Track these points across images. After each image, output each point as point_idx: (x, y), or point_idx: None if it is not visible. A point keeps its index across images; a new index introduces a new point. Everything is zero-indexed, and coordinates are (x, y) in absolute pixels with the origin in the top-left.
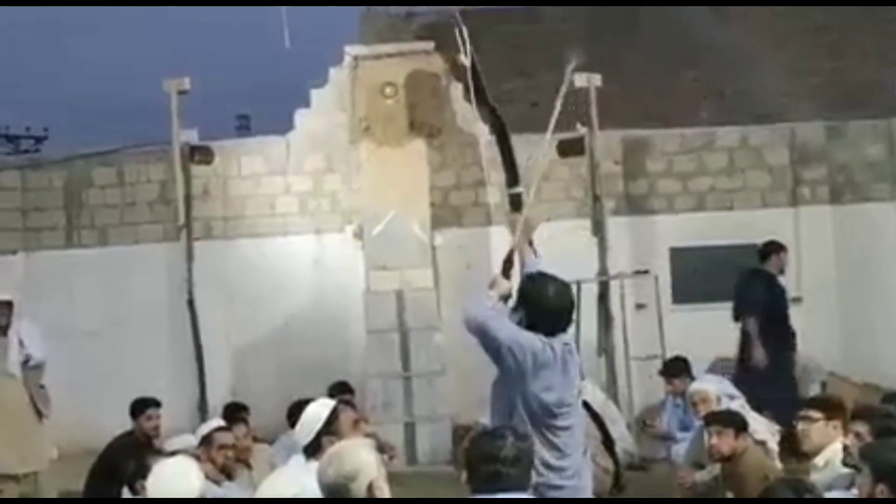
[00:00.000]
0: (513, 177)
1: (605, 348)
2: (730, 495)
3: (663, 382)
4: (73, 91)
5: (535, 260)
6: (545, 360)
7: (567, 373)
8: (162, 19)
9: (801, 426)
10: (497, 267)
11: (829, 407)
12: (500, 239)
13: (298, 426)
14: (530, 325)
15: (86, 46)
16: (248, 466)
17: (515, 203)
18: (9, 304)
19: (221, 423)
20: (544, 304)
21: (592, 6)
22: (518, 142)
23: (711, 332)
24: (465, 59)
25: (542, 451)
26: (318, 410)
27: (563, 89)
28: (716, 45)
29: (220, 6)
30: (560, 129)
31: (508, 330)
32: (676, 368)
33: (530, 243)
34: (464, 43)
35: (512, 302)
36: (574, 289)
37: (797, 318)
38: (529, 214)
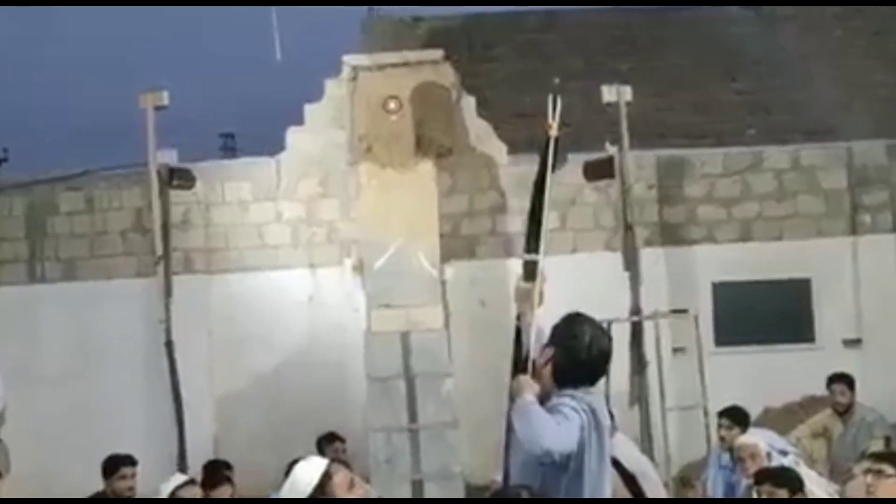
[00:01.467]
0: (535, 242)
1: (638, 397)
2: None
3: (707, 435)
4: (36, 107)
5: (539, 327)
6: (585, 455)
7: (602, 448)
8: (136, 26)
9: (868, 479)
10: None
11: None
12: (519, 273)
13: (285, 490)
14: (560, 371)
15: (50, 57)
16: None
17: (530, 271)
18: None
19: (186, 478)
20: (578, 353)
21: (617, 6)
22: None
23: (759, 378)
24: (554, 129)
25: None
26: (309, 472)
27: (553, 125)
28: (762, 53)
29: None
30: (587, 148)
31: (568, 441)
32: (736, 415)
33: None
34: (555, 109)
35: (543, 335)
36: None
37: (855, 362)
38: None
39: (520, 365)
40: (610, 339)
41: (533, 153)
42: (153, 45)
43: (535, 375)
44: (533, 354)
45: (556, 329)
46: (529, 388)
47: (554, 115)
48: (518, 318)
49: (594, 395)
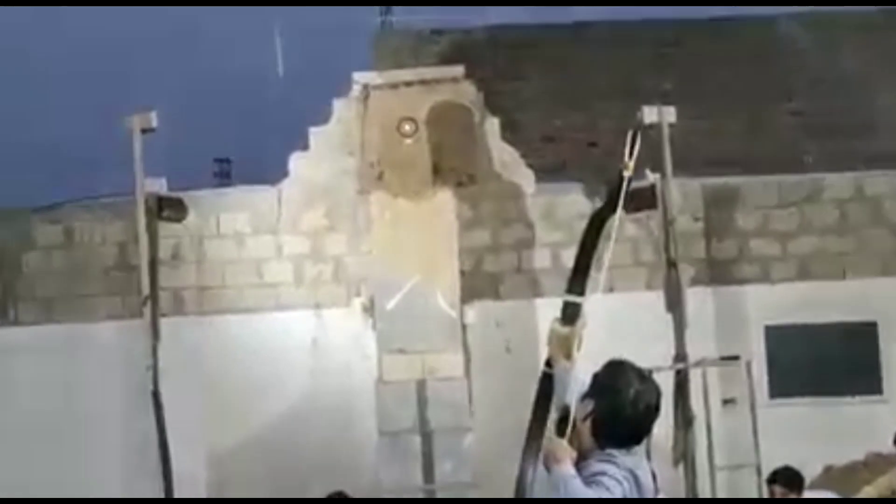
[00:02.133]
0: (581, 284)
1: (683, 455)
2: None
3: (760, 497)
4: (8, 132)
5: (576, 375)
6: None
7: None
8: (122, 40)
9: None
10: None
11: None
12: (549, 315)
13: None
14: (601, 428)
15: (22, 75)
16: None
17: (570, 315)
18: None
19: None
20: (622, 409)
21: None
22: (572, 192)
23: (818, 434)
24: (630, 169)
25: None
26: None
27: (630, 164)
28: (822, 70)
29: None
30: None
31: None
32: (788, 478)
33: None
34: (633, 146)
35: (581, 383)
36: None
37: None
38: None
39: (539, 414)
40: (659, 392)
41: (561, 180)
42: (140, 61)
43: (574, 431)
44: (572, 406)
45: (597, 379)
46: (567, 457)
47: (632, 154)
48: (548, 363)
49: (637, 455)
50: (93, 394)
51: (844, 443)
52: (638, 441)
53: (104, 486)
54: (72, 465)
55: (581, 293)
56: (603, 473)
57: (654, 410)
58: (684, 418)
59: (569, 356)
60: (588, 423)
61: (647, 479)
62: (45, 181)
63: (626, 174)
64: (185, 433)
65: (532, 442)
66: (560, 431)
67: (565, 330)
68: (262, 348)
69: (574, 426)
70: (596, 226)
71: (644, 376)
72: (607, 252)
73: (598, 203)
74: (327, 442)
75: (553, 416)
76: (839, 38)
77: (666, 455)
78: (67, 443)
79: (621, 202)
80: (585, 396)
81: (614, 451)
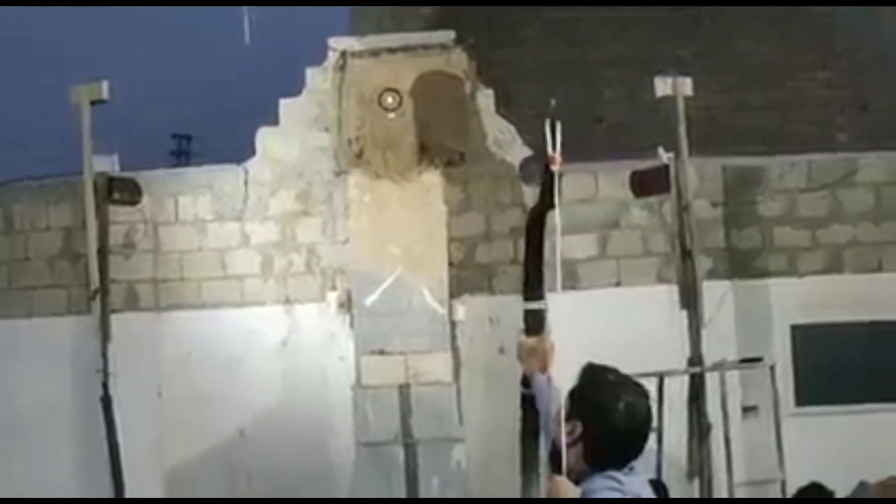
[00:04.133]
0: (537, 288)
1: (699, 469)
2: None
3: None
4: None
5: (558, 388)
6: None
7: None
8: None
9: None
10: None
11: None
12: (548, 312)
13: None
14: (594, 451)
15: None
16: None
17: (535, 323)
18: None
19: None
20: (615, 427)
21: None
22: (576, 172)
23: (851, 446)
24: (558, 163)
25: None
26: None
27: (557, 157)
28: (857, 37)
29: None
30: (634, 155)
31: None
32: (814, 496)
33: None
34: (554, 138)
35: (561, 403)
36: (655, 384)
37: None
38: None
39: (529, 444)
40: (647, 395)
41: (566, 160)
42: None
43: (559, 457)
44: (552, 427)
45: (579, 396)
46: (573, 496)
47: (554, 146)
48: (524, 382)
49: (637, 474)
50: (34, 399)
51: (880, 456)
52: (637, 455)
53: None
54: (12, 478)
55: (540, 298)
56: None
57: (649, 420)
58: (700, 428)
59: (544, 369)
60: (578, 447)
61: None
62: None
63: (555, 168)
64: (139, 445)
65: (529, 475)
66: (556, 466)
67: (532, 341)
68: (226, 349)
69: (557, 452)
70: (538, 225)
71: (628, 382)
72: (556, 251)
73: (603, 184)
74: (298, 455)
75: (544, 444)
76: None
77: (680, 469)
78: (7, 454)
79: (557, 199)
80: (569, 418)
81: (616, 475)
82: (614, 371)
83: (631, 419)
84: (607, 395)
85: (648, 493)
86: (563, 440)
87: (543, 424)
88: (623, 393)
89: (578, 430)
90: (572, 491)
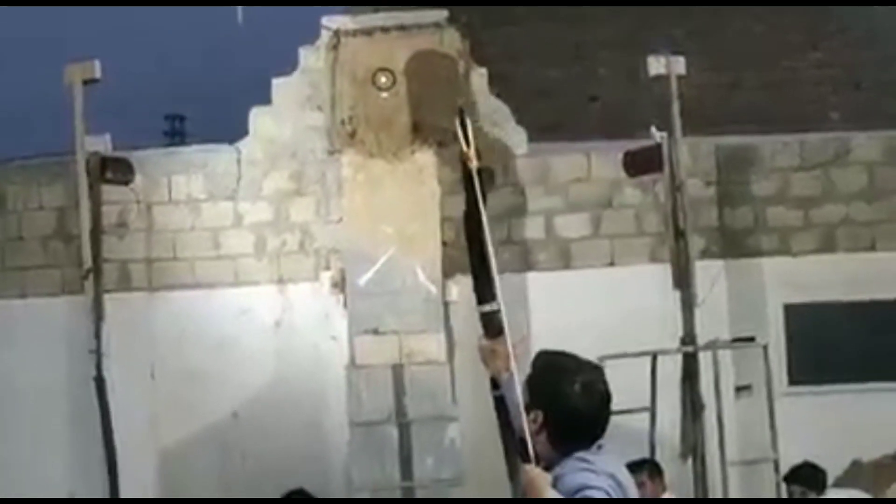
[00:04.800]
0: (489, 290)
1: (692, 448)
2: None
3: (778, 495)
4: None
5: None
6: None
7: None
8: None
9: None
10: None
11: None
12: (542, 291)
13: None
14: (559, 436)
15: None
16: None
17: (492, 325)
18: None
19: None
20: (574, 409)
21: None
22: (569, 152)
23: (844, 425)
24: (474, 159)
25: None
26: None
27: (471, 153)
28: (850, 17)
29: None
30: (627, 134)
31: None
32: (808, 477)
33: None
34: (466, 134)
35: (521, 394)
36: (648, 363)
37: None
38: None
39: (509, 440)
40: (601, 371)
41: (557, 139)
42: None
43: (525, 447)
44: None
45: (534, 384)
46: (546, 484)
47: (468, 142)
48: (494, 385)
49: (607, 452)
50: (27, 380)
51: (873, 435)
52: (603, 431)
53: (44, 482)
54: (5, 459)
55: (492, 299)
56: (588, 487)
57: (608, 394)
58: (693, 407)
59: (507, 369)
60: (543, 435)
61: (626, 479)
62: None
63: (472, 165)
64: (133, 424)
65: (516, 479)
66: (524, 456)
67: (491, 343)
68: (219, 329)
69: (524, 444)
70: (475, 228)
71: (582, 363)
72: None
73: (596, 164)
74: (292, 435)
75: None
76: None
77: (673, 448)
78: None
79: (480, 197)
80: (529, 407)
81: (585, 455)
82: (566, 354)
83: (589, 398)
84: (562, 378)
85: (624, 472)
86: (527, 429)
87: (515, 422)
88: (577, 374)
89: (540, 417)
90: (544, 478)
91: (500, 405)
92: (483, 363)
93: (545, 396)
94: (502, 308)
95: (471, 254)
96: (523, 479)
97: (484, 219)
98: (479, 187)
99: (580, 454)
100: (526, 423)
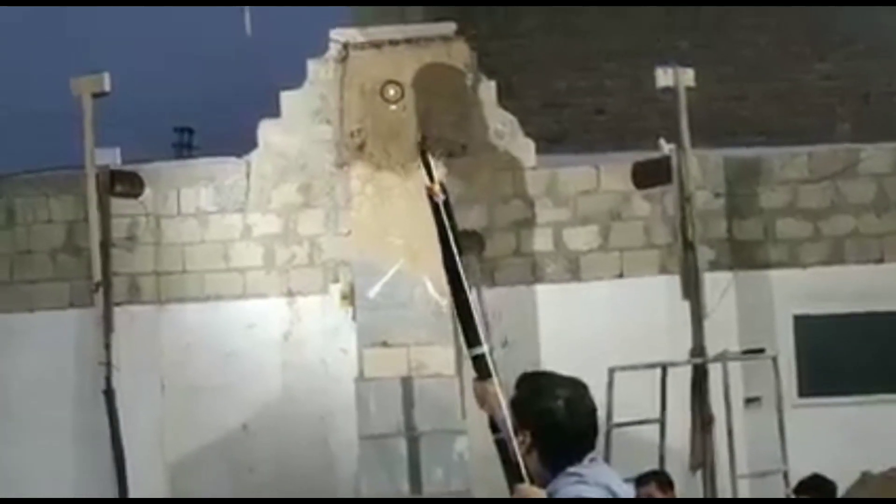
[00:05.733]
0: (474, 333)
1: (702, 461)
2: None
3: None
4: None
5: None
6: None
7: None
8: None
9: None
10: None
11: None
12: (550, 303)
13: None
14: (549, 454)
15: None
16: None
17: (482, 367)
18: None
19: None
20: (560, 427)
21: None
22: (577, 164)
23: (854, 437)
24: (438, 192)
25: None
26: None
27: (435, 187)
28: (857, 28)
29: None
30: (636, 146)
31: None
32: (817, 488)
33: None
34: (428, 167)
35: (509, 418)
36: (658, 375)
37: None
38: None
39: (514, 482)
40: (584, 386)
41: (565, 151)
42: (91, 19)
43: (515, 468)
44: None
45: (521, 406)
46: (540, 494)
47: (431, 176)
48: (493, 428)
49: (599, 464)
50: (37, 393)
51: (883, 447)
52: (592, 446)
53: (52, 495)
54: (13, 473)
55: (479, 342)
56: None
57: (593, 408)
58: (703, 420)
59: (500, 407)
60: (533, 455)
61: (621, 490)
62: None
63: (438, 199)
64: (142, 437)
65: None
66: (517, 476)
67: (481, 385)
68: (228, 341)
69: (517, 465)
70: (453, 271)
71: (565, 380)
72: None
73: (605, 176)
74: (301, 447)
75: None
76: None
77: (683, 460)
78: (8, 448)
79: (450, 232)
80: (517, 430)
81: (577, 469)
82: (548, 373)
83: (573, 414)
84: (545, 397)
85: (619, 482)
86: (518, 451)
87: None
88: (559, 391)
89: (528, 438)
90: (537, 492)
91: (502, 447)
92: (479, 404)
93: (531, 416)
94: (487, 352)
95: (454, 299)
96: (517, 496)
97: (457, 256)
98: (447, 222)
99: (572, 469)
100: (517, 445)
